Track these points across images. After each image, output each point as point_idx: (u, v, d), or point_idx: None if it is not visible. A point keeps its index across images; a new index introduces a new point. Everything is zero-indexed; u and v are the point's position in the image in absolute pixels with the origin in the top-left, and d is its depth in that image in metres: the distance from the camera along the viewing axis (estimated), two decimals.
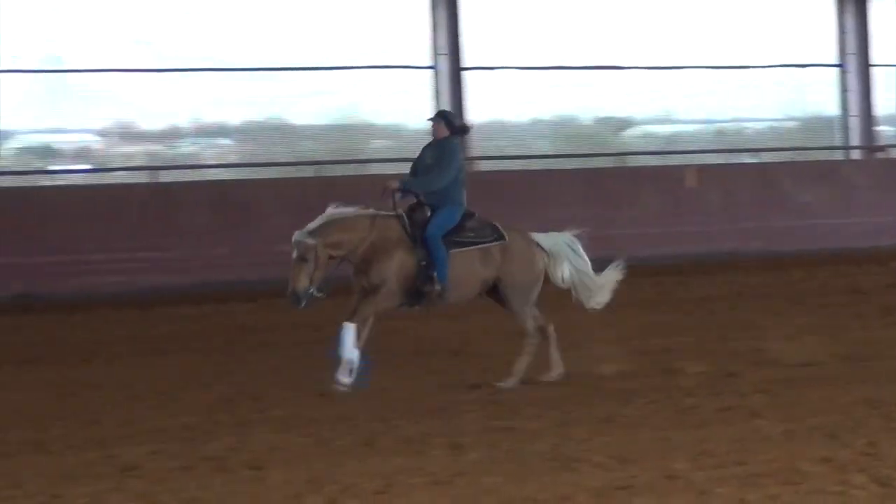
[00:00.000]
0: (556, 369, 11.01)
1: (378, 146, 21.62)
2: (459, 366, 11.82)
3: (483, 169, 20.53)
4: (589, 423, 9.05)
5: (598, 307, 11.44)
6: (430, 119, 11.28)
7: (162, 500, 7.21)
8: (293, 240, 10.59)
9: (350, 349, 10.44)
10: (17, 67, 19.62)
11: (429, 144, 11.24)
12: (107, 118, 20.38)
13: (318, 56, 20.70)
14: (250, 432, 8.95)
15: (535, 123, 22.58)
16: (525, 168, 22.15)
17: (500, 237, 11.02)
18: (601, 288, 11.36)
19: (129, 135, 20.69)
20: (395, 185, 10.93)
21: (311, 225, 10.66)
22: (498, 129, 21.93)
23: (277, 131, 20.95)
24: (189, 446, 8.53)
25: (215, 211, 19.27)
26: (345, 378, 10.46)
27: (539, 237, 11.32)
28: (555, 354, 11.05)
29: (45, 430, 9.17)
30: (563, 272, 11.26)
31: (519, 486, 7.24)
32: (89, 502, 7.20)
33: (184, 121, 20.96)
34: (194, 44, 20.51)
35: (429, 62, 21.10)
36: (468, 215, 11.06)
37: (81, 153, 20.63)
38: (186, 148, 21.25)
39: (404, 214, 10.95)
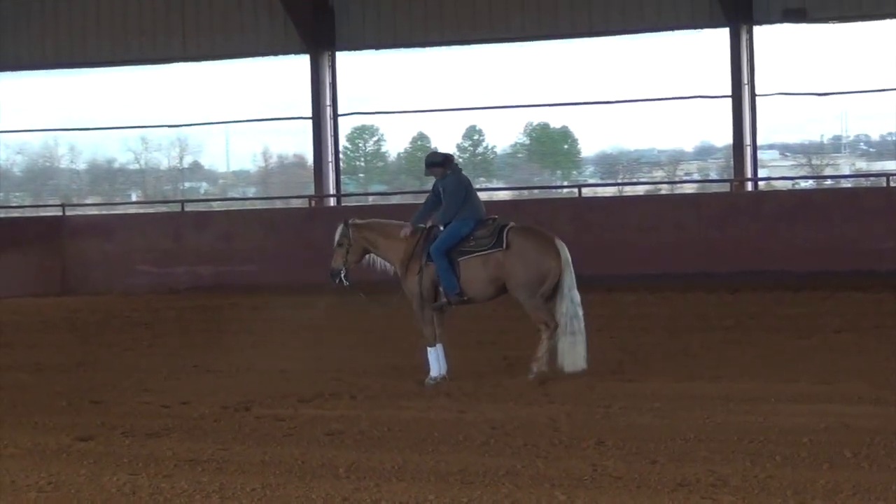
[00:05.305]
0: (536, 367, 12.24)
1: None
2: None
3: None
4: None
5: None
6: (427, 170, 12.98)
7: None
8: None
9: (433, 366, 12.58)
10: None
11: (436, 181, 13.01)
12: None
13: None
14: None
15: None
16: None
17: (498, 245, 12.49)
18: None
19: None
20: (428, 224, 13.02)
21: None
22: None
23: None
24: None
25: None
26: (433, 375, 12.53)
27: (560, 244, 12.50)
28: (541, 352, 12.27)
29: None
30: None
31: None
32: None
33: None
34: None
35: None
36: (482, 223, 12.69)
37: None
38: None
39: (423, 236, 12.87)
